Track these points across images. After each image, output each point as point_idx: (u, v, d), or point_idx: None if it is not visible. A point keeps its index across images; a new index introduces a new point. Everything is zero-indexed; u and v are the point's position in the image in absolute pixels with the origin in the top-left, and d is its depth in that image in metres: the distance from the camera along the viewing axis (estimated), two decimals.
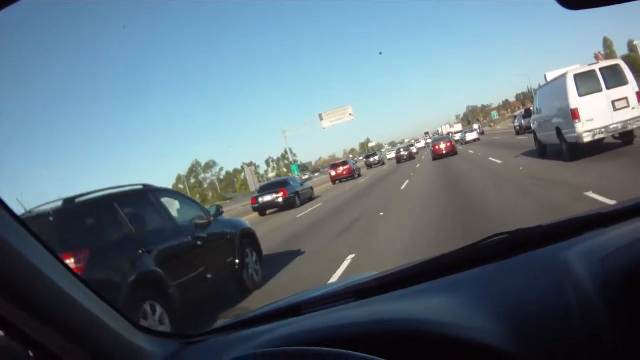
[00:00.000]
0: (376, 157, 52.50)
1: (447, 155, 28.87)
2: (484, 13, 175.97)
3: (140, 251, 4.93)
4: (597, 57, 13.73)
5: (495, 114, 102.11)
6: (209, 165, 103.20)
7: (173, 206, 6.26)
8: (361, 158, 64.10)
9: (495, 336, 0.85)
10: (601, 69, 10.44)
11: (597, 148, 11.06)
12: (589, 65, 10.82)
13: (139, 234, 5.25)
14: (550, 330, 0.83)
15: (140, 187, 5.75)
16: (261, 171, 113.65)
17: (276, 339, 1.03)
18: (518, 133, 31.18)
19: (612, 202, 5.46)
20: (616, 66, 10.52)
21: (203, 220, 6.18)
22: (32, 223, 4.27)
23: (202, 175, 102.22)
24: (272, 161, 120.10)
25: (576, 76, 10.42)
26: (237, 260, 6.51)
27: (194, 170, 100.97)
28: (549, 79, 12.93)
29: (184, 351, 1.22)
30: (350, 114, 49.07)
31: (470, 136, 43.70)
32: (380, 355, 0.73)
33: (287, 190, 21.16)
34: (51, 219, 4.58)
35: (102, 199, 5.20)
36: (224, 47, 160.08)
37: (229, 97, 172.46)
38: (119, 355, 1.04)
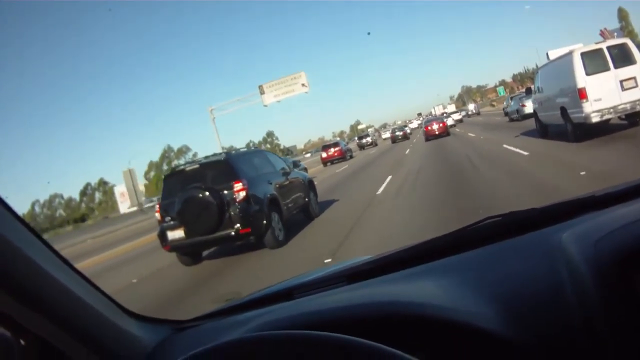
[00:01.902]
0: (368, 139, 52.19)
1: (440, 135, 28.71)
2: None
3: (268, 182, 8.32)
4: (602, 35, 13.38)
5: (502, 90, 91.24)
6: (182, 151, 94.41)
7: (272, 159, 9.65)
8: (355, 139, 63.80)
9: (488, 319, 0.84)
10: (608, 48, 10.14)
11: (603, 129, 10.84)
12: (596, 43, 10.50)
13: (264, 173, 8.48)
14: (543, 313, 0.82)
15: (255, 147, 11.39)
16: None
17: (267, 323, 1.02)
18: (511, 119, 27.59)
19: None
20: (624, 45, 10.22)
21: (288, 169, 9.63)
22: (209, 167, 7.92)
23: (175, 162, 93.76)
24: (253, 145, 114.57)
25: (583, 54, 10.12)
26: (306, 199, 9.89)
27: (166, 156, 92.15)
28: (551, 58, 12.63)
29: (176, 337, 1.22)
30: (303, 84, 35.98)
31: (455, 116, 47.75)
32: (371, 337, 0.70)
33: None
34: (222, 160, 8.00)
35: (245, 152, 9.15)
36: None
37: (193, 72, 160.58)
38: (110, 342, 1.03)
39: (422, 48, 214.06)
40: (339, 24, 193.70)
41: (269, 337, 0.76)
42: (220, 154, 8.82)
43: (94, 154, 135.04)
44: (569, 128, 11.13)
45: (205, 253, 8.53)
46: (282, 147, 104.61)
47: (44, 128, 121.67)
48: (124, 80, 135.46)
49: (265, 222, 7.60)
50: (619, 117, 10.69)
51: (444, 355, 0.85)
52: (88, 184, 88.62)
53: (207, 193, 7.30)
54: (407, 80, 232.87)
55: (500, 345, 0.81)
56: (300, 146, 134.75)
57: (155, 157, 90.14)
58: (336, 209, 10.93)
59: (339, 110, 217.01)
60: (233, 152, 9.10)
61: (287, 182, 9.18)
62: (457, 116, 51.04)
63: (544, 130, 13.78)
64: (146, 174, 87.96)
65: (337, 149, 35.52)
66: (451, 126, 38.15)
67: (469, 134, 25.73)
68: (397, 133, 46.01)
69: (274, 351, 0.71)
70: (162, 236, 7.86)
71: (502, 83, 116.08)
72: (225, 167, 7.83)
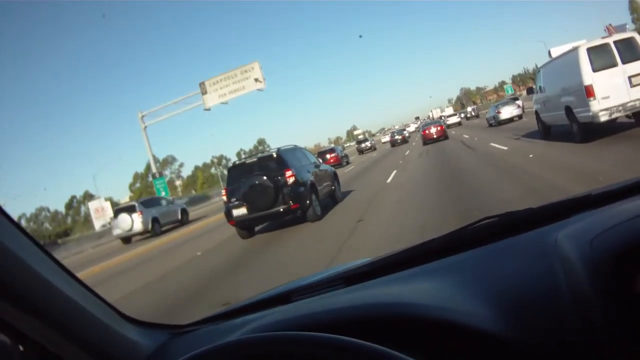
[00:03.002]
0: (367, 143, 54.14)
1: (438, 139, 28.02)
2: None
3: (307, 171, 10.77)
4: (608, 30, 12.83)
5: (509, 88, 77.86)
6: (167, 162, 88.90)
7: (307, 155, 12.28)
8: (353, 143, 64.32)
9: (485, 319, 0.84)
10: (615, 42, 9.57)
11: (609, 128, 10.29)
12: (602, 38, 9.94)
13: (304, 165, 11.00)
14: (540, 312, 0.82)
15: (294, 145, 11.82)
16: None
17: (265, 326, 1.01)
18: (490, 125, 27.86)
19: None
20: (631, 39, 9.63)
21: (319, 162, 12.45)
22: (265, 160, 10.46)
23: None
24: (244, 153, 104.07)
25: (589, 49, 9.54)
26: (332, 187, 12.47)
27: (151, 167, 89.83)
28: (554, 55, 12.04)
29: (174, 342, 1.22)
30: (257, 79, 28.19)
31: (454, 119, 49.13)
32: (369, 339, 0.70)
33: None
34: (274, 155, 10.43)
35: (289, 148, 11.25)
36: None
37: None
38: (108, 347, 1.03)
39: (419, 51, 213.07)
40: (332, 27, 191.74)
41: (270, 337, 0.76)
42: (272, 150, 11.25)
43: (81, 164, 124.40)
44: (574, 128, 10.56)
45: (257, 229, 11.31)
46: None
47: (30, 139, 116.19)
48: (110, 85, 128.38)
49: (308, 201, 10.22)
50: (627, 116, 10.13)
51: (442, 356, 0.83)
52: (73, 197, 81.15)
53: (265, 179, 9.93)
54: (404, 83, 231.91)
55: (497, 345, 0.81)
56: None
57: (140, 168, 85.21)
58: (352, 197, 13.32)
59: (334, 115, 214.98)
60: (282, 148, 11.16)
61: (320, 172, 11.88)
62: (455, 119, 50.73)
63: (546, 131, 13.26)
64: (131, 185, 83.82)
65: (332, 155, 34.71)
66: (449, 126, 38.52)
67: (464, 135, 25.36)
68: (397, 137, 46.99)
69: (275, 352, 0.72)
70: (229, 213, 10.50)
71: (502, 84, 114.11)
72: (277, 159, 10.46)
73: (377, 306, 0.97)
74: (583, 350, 0.74)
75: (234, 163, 11.39)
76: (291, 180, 10.07)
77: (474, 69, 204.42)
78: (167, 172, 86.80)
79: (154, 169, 33.47)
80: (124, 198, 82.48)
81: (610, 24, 14.26)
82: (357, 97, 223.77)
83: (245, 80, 28.32)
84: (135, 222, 20.45)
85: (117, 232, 21.22)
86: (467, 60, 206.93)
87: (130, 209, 20.83)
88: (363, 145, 52.96)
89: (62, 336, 0.93)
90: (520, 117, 25.76)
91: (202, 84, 29.26)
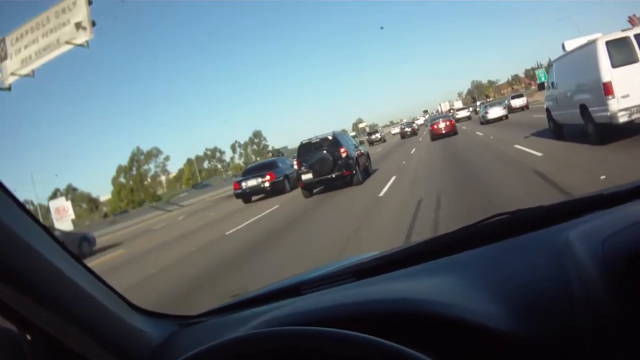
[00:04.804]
0: (377, 135, 58.14)
1: (447, 134, 27.05)
2: None
3: (353, 149, 15.55)
4: (631, 22, 12.01)
5: (542, 74, 50.93)
6: (151, 154, 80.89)
7: (351, 139, 17.10)
8: (354, 134, 65.40)
9: (495, 317, 0.84)
10: (637, 36, 8.70)
11: (626, 130, 9.43)
12: (622, 30, 9.07)
13: (350, 145, 15.67)
14: (550, 311, 0.81)
15: (342, 130, 22.39)
16: (227, 158, 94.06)
17: (274, 319, 1.02)
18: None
19: None
20: None
21: (358, 144, 17.69)
22: (324, 140, 15.12)
23: (145, 166, 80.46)
24: (239, 146, 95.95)
25: (608, 43, 8.68)
26: (367, 163, 16.95)
27: (135, 159, 78.98)
28: (568, 49, 11.14)
29: (182, 332, 1.22)
30: (79, 25, 14.08)
31: (463, 113, 49.62)
32: (379, 334, 0.70)
33: (275, 173, 19.51)
34: (330, 137, 15.00)
35: (339, 133, 16.61)
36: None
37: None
38: (116, 336, 1.03)
39: (429, 43, 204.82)
40: (337, 18, 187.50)
41: (279, 333, 0.77)
42: (328, 133, 15.29)
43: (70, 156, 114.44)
44: (590, 129, 9.72)
45: (315, 191, 15.56)
46: (270, 148, 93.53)
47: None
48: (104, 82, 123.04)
49: (354, 170, 14.51)
50: None
51: (452, 352, 0.83)
52: (57, 190, 71.38)
53: (326, 152, 14.38)
54: (412, 76, 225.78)
55: (507, 343, 0.80)
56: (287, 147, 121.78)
57: (124, 161, 79.41)
58: (379, 172, 17.40)
59: (340, 107, 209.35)
60: (335, 132, 15.70)
61: (360, 151, 16.25)
62: (464, 112, 50.13)
63: (558, 131, 12.39)
64: (114, 179, 77.27)
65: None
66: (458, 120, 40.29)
67: (477, 132, 24.47)
68: (406, 129, 50.23)
69: (285, 347, 0.72)
70: (298, 178, 15.07)
71: (515, 78, 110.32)
72: (334, 140, 14.83)
73: (386, 302, 0.97)
74: (593, 349, 0.74)
75: (302, 142, 15.51)
76: (344, 155, 14.41)
77: (486, 62, 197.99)
78: (151, 166, 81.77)
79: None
80: (106, 195, 78.64)
81: (634, 15, 13.29)
82: (363, 89, 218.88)
83: (60, 29, 14.77)
84: None
85: None
86: (478, 54, 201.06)
87: None
88: (373, 137, 56.81)
89: (70, 325, 0.92)
90: (506, 117, 30.59)
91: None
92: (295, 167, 15.39)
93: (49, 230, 0.94)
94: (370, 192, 12.33)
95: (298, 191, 16.01)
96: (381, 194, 11.29)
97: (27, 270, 0.85)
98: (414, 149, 25.18)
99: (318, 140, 15.11)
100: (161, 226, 23.77)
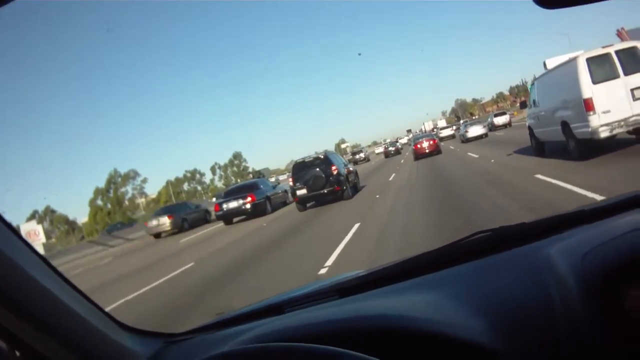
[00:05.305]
0: (362, 154, 59.35)
1: (431, 154, 26.72)
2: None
3: (344, 167, 16.92)
4: (620, 35, 12.10)
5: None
6: (129, 176, 78.77)
7: (341, 158, 19.03)
8: (349, 156, 64.86)
9: (477, 332, 0.84)
10: (617, 52, 8.74)
11: (607, 145, 9.43)
12: (603, 47, 9.11)
13: (340, 163, 16.99)
14: (532, 326, 0.82)
15: (332, 151, 20.53)
16: (206, 180, 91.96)
17: (257, 337, 1.02)
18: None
19: None
20: (634, 49, 8.77)
21: (348, 163, 19.23)
22: (317, 159, 16.42)
23: (122, 189, 78.49)
24: (219, 168, 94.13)
25: (589, 60, 8.71)
26: (355, 180, 17.80)
27: (112, 182, 77.17)
28: (549, 67, 11.20)
29: (167, 350, 1.23)
30: None
31: (447, 131, 49.74)
32: (362, 351, 0.70)
33: (256, 194, 19.20)
34: (322, 156, 16.34)
35: (331, 152, 18.45)
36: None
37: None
38: (103, 354, 1.03)
39: (411, 62, 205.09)
40: (320, 39, 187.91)
41: (270, 348, 0.76)
42: (320, 153, 16.66)
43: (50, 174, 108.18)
44: (571, 145, 9.71)
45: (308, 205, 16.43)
46: (250, 169, 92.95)
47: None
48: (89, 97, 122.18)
49: (344, 186, 15.67)
50: (628, 132, 9.28)
51: None
52: (35, 212, 69.56)
53: (319, 170, 15.48)
54: (395, 96, 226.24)
55: (489, 358, 0.81)
56: (282, 167, 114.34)
57: (101, 183, 77.01)
58: (365, 191, 17.70)
59: (321, 128, 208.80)
60: (327, 151, 17.20)
61: (349, 169, 17.51)
62: (448, 131, 50.06)
63: (540, 148, 12.41)
64: (91, 201, 75.18)
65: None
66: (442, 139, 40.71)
67: (470, 153, 24.49)
68: (390, 148, 51.37)
69: None
70: (294, 193, 15.97)
71: (500, 96, 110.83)
72: (325, 159, 16.02)
73: (369, 318, 0.97)
74: None
75: (296, 161, 16.95)
76: (335, 172, 15.57)
77: (470, 80, 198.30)
78: (128, 189, 79.42)
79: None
80: (83, 217, 76.17)
81: (622, 27, 13.42)
82: (346, 110, 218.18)
83: None
84: None
85: None
86: (461, 73, 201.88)
87: None
88: (357, 156, 57.31)
89: (57, 342, 0.92)
90: (486, 135, 31.70)
91: None
92: (290, 183, 16.32)
93: (36, 251, 0.95)
94: (361, 204, 13.68)
95: (280, 212, 16.28)
96: (373, 207, 12.12)
97: (13, 288, 0.85)
98: (398, 167, 25.97)
99: (311, 158, 16.33)
100: (79, 271, 17.87)
